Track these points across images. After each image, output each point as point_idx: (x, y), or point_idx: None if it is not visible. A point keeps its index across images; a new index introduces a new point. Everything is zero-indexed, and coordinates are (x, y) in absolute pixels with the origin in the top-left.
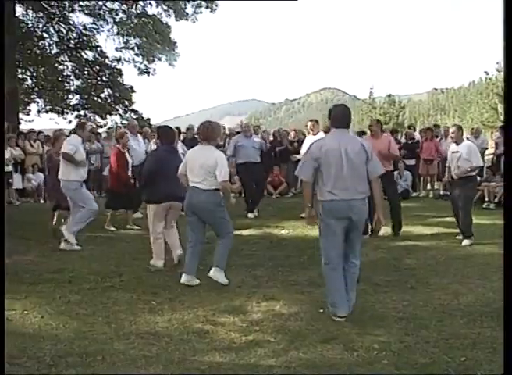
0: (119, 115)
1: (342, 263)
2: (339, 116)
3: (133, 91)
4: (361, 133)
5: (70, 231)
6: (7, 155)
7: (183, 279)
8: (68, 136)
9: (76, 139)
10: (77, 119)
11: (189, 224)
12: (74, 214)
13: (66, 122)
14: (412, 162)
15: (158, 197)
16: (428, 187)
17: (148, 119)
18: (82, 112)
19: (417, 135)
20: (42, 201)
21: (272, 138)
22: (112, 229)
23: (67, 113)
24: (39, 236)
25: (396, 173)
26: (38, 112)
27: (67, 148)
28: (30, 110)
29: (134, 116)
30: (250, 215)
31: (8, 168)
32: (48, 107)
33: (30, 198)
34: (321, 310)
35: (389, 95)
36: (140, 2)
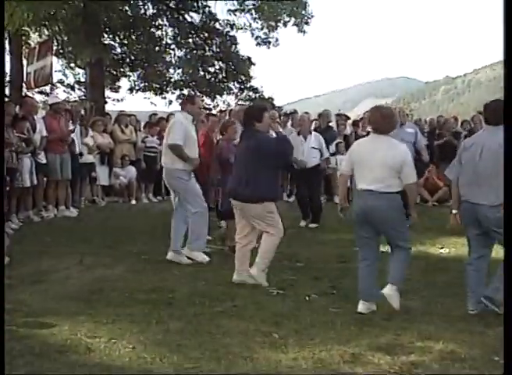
0: (234, 94)
1: (481, 265)
2: (491, 113)
3: (252, 64)
4: None
5: (194, 249)
6: (90, 142)
7: (361, 307)
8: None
9: (185, 120)
10: (180, 101)
11: (360, 238)
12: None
13: (165, 103)
14: None
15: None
16: None
17: (271, 99)
18: (185, 91)
19: None
20: (134, 202)
21: (427, 128)
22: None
23: (166, 92)
24: (130, 245)
25: None
26: (130, 89)
27: (174, 137)
28: (119, 87)
29: (253, 96)
30: None
31: (90, 158)
32: (142, 84)
33: (119, 198)
34: (497, 358)
35: None
36: None
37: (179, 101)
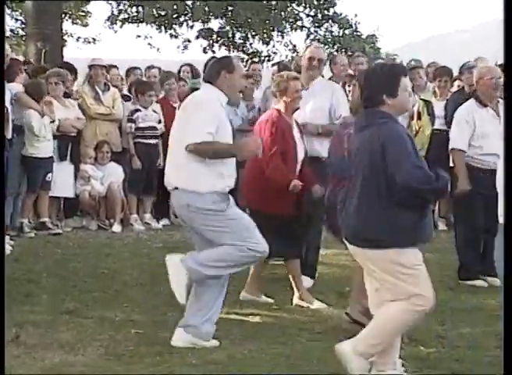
0: (306, 29)
1: None
2: None
3: None
4: None
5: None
6: (46, 120)
7: None
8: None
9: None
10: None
11: None
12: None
13: (177, 46)
14: None
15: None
16: None
17: (373, 39)
18: (213, 24)
19: None
20: (117, 229)
21: None
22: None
23: (178, 24)
24: (109, 308)
25: None
26: (110, 19)
27: (203, 129)
28: (87, 14)
29: (339, 32)
30: None
31: (45, 150)
32: (128, 10)
33: (89, 220)
34: None
35: None
36: None
37: (204, 44)
